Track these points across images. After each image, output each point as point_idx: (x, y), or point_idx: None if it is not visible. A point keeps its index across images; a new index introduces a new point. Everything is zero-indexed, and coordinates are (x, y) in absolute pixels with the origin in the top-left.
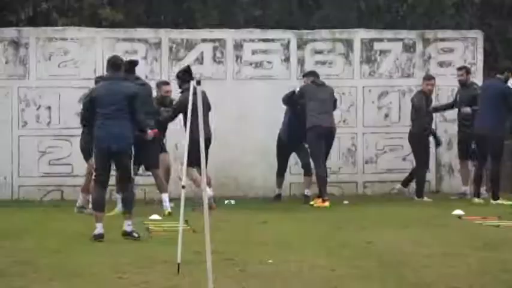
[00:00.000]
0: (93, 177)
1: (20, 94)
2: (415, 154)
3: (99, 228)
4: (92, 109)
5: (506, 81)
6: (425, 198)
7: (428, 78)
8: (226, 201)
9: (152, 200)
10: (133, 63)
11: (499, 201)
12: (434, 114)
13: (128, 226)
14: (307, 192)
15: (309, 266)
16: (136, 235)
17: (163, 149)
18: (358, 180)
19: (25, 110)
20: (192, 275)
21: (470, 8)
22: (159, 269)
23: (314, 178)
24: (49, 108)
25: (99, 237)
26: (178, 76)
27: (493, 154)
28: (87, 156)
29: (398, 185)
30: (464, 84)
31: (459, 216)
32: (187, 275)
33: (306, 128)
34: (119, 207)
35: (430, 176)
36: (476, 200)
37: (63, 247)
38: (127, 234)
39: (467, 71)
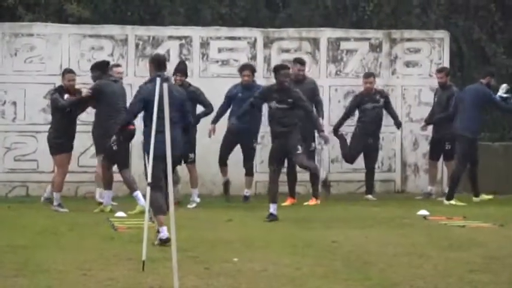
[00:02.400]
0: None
1: None
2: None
3: (165, 232)
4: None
5: (488, 85)
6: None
7: (366, 76)
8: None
9: (115, 196)
10: (107, 64)
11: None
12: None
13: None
14: (246, 192)
15: (273, 265)
16: None
17: None
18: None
19: None
20: (157, 273)
21: (437, 8)
22: (124, 266)
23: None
24: (14, 104)
25: (167, 241)
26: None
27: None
28: (54, 151)
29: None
30: (443, 87)
31: (424, 217)
32: (152, 272)
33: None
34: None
35: (396, 175)
36: (448, 202)
37: (28, 243)
38: None
39: (447, 73)
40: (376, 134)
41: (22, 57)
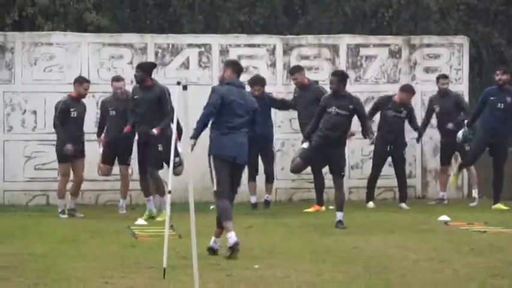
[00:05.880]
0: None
1: (6, 99)
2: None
3: (234, 237)
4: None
5: (498, 83)
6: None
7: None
8: (212, 207)
9: (136, 204)
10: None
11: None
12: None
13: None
14: (267, 197)
15: (294, 271)
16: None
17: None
18: (344, 185)
19: (10, 115)
20: (178, 280)
21: (456, 13)
22: (145, 274)
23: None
24: (35, 112)
25: (235, 247)
26: None
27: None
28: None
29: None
30: (445, 93)
31: (445, 222)
32: (173, 280)
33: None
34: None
35: (416, 181)
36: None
37: (49, 251)
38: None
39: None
40: (397, 142)
41: (42, 66)
